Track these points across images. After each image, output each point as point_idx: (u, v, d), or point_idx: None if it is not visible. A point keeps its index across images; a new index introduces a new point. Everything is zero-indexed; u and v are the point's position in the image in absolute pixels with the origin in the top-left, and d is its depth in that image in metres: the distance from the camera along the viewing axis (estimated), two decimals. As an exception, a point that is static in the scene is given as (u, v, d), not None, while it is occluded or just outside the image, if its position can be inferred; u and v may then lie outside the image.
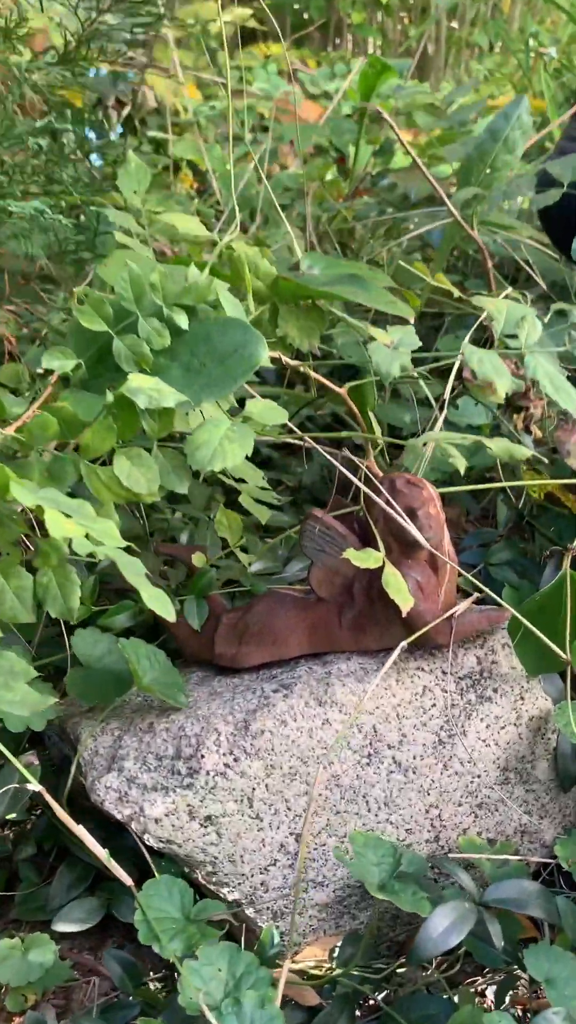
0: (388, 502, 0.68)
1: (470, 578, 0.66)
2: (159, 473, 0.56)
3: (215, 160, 2.08)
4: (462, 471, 0.55)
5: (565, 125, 1.33)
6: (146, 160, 2.19)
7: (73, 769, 0.67)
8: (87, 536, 0.48)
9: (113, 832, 0.70)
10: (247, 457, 0.97)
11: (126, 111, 2.31)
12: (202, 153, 2.02)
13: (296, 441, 0.72)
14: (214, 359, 0.59)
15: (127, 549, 0.91)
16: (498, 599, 0.66)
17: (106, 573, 0.85)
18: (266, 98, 2.02)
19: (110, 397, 0.53)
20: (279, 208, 1.77)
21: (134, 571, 0.48)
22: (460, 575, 0.80)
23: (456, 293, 0.95)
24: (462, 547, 0.88)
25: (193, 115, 2.09)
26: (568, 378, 1.01)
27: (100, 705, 0.70)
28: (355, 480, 0.65)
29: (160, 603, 0.47)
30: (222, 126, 2.42)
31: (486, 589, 0.65)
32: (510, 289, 0.97)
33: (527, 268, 1.09)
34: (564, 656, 0.59)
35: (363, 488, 0.68)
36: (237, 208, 1.30)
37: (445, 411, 0.86)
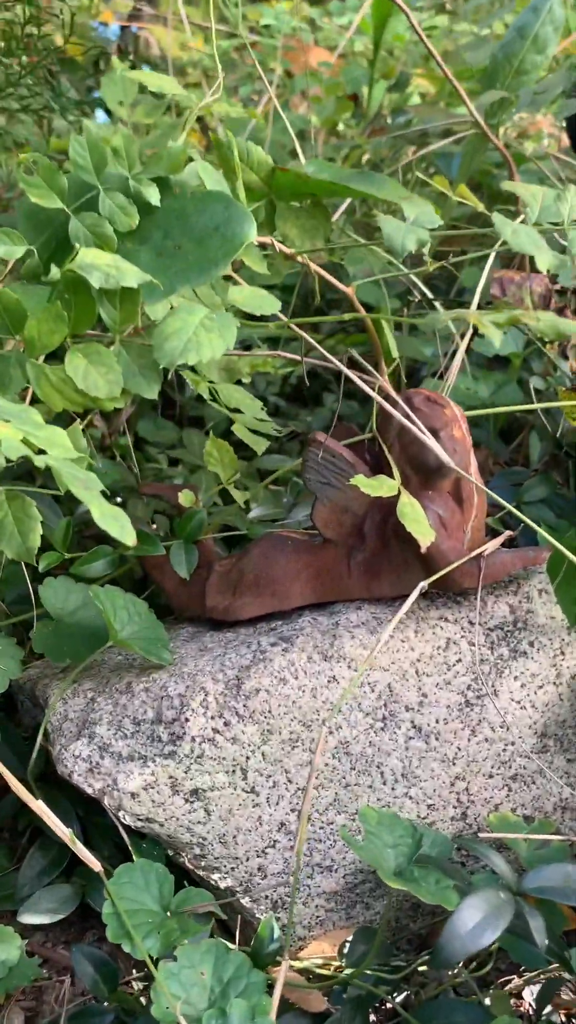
0: (407, 417, 0.57)
1: (511, 507, 0.55)
2: (122, 374, 0.46)
3: (220, 108, 1.97)
4: (497, 343, 0.45)
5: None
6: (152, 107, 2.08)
7: (40, 737, 0.58)
8: (27, 442, 0.38)
9: (93, 809, 0.61)
10: (243, 384, 0.86)
11: (130, 60, 2.20)
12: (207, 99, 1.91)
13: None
14: (191, 240, 0.48)
15: (114, 494, 0.80)
16: (537, 529, 0.56)
17: (88, 519, 0.75)
18: (271, 36, 1.90)
19: (57, 273, 0.43)
20: (286, 152, 1.66)
21: (83, 485, 0.38)
22: (491, 512, 0.70)
23: (480, 207, 0.84)
24: (490, 487, 0.78)
25: (194, 55, 1.98)
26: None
27: (73, 664, 0.61)
28: (365, 387, 0.55)
29: (115, 523, 0.38)
30: (229, 76, 2.31)
31: (525, 519, 0.55)
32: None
33: (559, 183, 0.98)
34: None
35: (377, 403, 0.57)
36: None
37: (468, 340, 0.76)
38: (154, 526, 0.74)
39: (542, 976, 0.53)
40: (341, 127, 2.06)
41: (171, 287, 0.47)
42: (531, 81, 0.94)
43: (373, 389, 0.62)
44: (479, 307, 0.77)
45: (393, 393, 0.61)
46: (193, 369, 0.70)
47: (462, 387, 0.85)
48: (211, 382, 0.70)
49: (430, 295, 0.96)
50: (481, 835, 0.54)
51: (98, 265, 0.43)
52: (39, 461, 0.38)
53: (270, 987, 0.47)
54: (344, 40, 1.85)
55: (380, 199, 0.64)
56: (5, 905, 0.61)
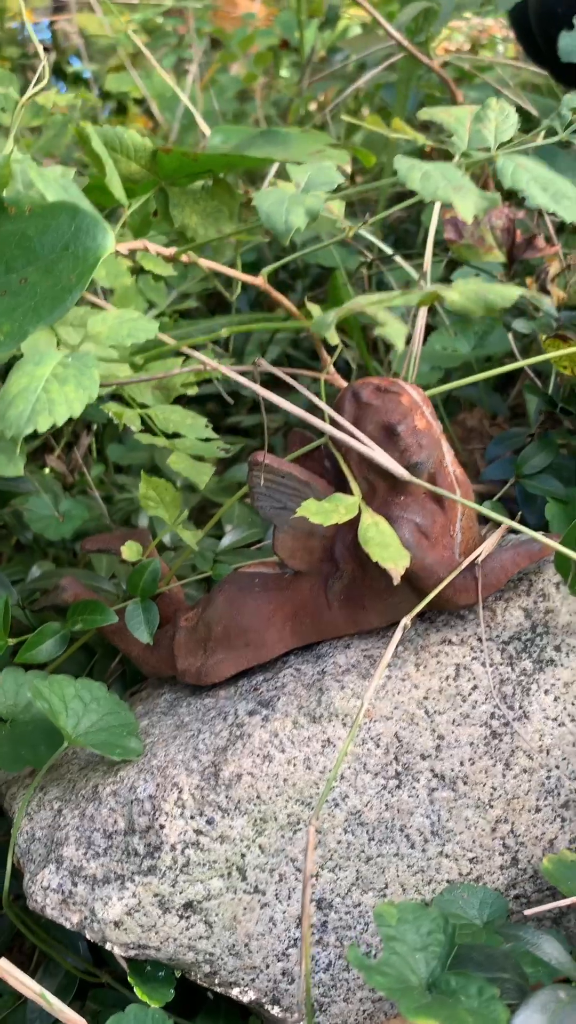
0: (355, 423, 0.48)
1: (491, 515, 0.46)
2: (-25, 454, 0.38)
3: (154, 87, 1.86)
4: (399, 345, 0.35)
5: None
6: (93, 106, 1.98)
7: (9, 862, 0.50)
8: None
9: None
10: (190, 399, 0.76)
11: (53, 56, 2.09)
12: (137, 81, 1.80)
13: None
14: (38, 268, 0.39)
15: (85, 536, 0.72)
16: (526, 530, 0.46)
17: (38, 588, 0.67)
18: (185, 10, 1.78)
19: None
20: (224, 119, 1.54)
21: None
22: (483, 498, 0.60)
23: (421, 140, 0.73)
24: (488, 459, 0.68)
25: (115, 37, 1.86)
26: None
27: (35, 768, 0.53)
28: (306, 393, 0.46)
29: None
30: (158, 50, 2.19)
31: (504, 519, 0.45)
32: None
33: (511, 99, 0.87)
34: None
35: (315, 410, 0.48)
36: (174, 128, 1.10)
37: (427, 276, 0.66)
38: (113, 579, 0.65)
39: None
40: (284, 73, 1.94)
41: (22, 332, 0.38)
42: (455, -17, 0.83)
43: (319, 381, 0.53)
44: (433, 255, 0.67)
45: (340, 381, 0.52)
46: (120, 398, 0.61)
47: (437, 348, 0.75)
48: (143, 405, 0.61)
49: (389, 250, 0.86)
50: (527, 911, 0.45)
51: None
52: None
53: None
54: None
55: (286, 159, 0.54)
56: (20, 1045, 0.54)
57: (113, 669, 0.65)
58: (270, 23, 1.87)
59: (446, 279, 0.81)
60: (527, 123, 1.16)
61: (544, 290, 0.67)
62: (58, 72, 2.08)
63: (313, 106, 1.49)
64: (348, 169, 0.54)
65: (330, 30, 1.52)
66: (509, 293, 0.36)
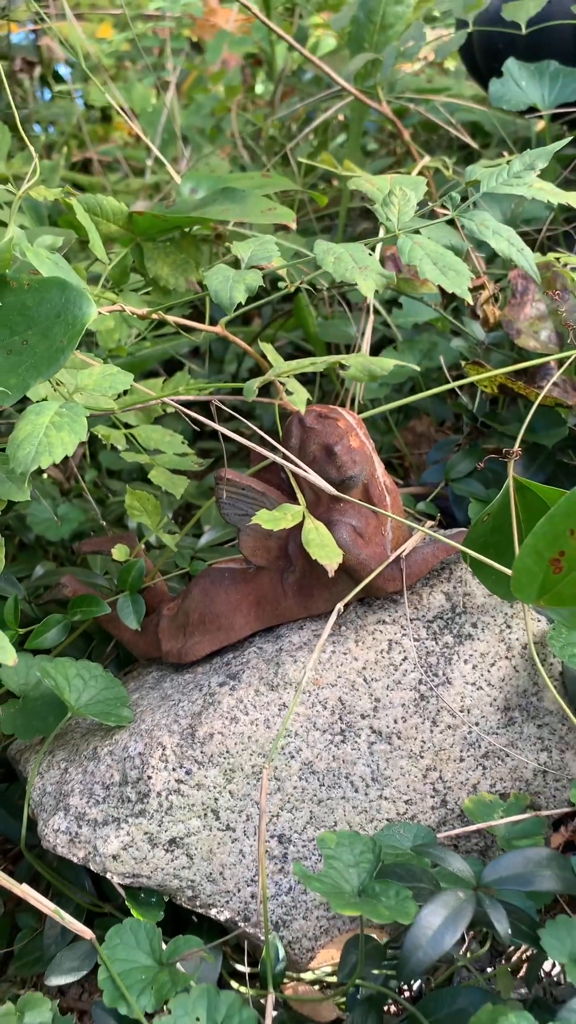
0: (300, 445, 0.58)
1: (422, 529, 0.56)
2: (-9, 485, 0.48)
3: (135, 100, 1.95)
4: (301, 406, 0.45)
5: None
6: (64, 115, 2.07)
7: (25, 814, 0.61)
8: None
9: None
10: (174, 414, 0.86)
11: (38, 71, 2.17)
12: (114, 93, 1.89)
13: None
14: (36, 332, 0.49)
15: (78, 540, 0.82)
16: (438, 536, 0.56)
17: (42, 585, 0.77)
18: (161, 18, 1.87)
19: None
20: (202, 135, 1.63)
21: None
22: (419, 498, 0.70)
23: (363, 175, 0.83)
24: (429, 462, 0.78)
25: (98, 56, 1.95)
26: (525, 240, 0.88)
27: (44, 737, 0.63)
28: (251, 428, 0.56)
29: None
30: (139, 61, 2.27)
31: (417, 527, 0.55)
32: (427, 159, 0.85)
33: (448, 129, 0.96)
34: (508, 573, 0.49)
35: (258, 439, 0.58)
36: (160, 149, 1.19)
37: (370, 317, 0.76)
38: (107, 575, 0.76)
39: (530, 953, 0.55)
40: (260, 88, 2.02)
41: (25, 384, 0.48)
42: (397, 34, 0.92)
43: (274, 408, 0.63)
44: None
45: (292, 407, 0.62)
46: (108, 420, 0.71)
47: (378, 370, 0.84)
48: (128, 425, 0.71)
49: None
50: (442, 834, 0.55)
51: None
52: None
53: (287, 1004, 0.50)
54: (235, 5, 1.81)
55: (241, 218, 0.64)
56: (35, 968, 0.64)
57: (108, 653, 0.75)
58: (247, 30, 1.95)
59: (395, 300, 0.91)
60: (483, 136, 1.26)
61: (475, 315, 0.77)
62: (43, 81, 2.17)
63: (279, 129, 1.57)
64: (294, 226, 0.64)
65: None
66: (386, 364, 0.46)
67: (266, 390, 0.88)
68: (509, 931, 0.47)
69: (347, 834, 0.52)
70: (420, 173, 0.80)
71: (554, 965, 0.57)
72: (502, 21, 0.93)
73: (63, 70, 2.17)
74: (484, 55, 1.06)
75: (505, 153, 0.90)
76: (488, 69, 1.08)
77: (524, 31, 0.90)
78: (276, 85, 1.60)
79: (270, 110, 1.58)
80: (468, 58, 1.10)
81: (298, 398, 0.47)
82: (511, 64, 0.89)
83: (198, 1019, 0.48)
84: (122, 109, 1.61)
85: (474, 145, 0.96)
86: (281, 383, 0.56)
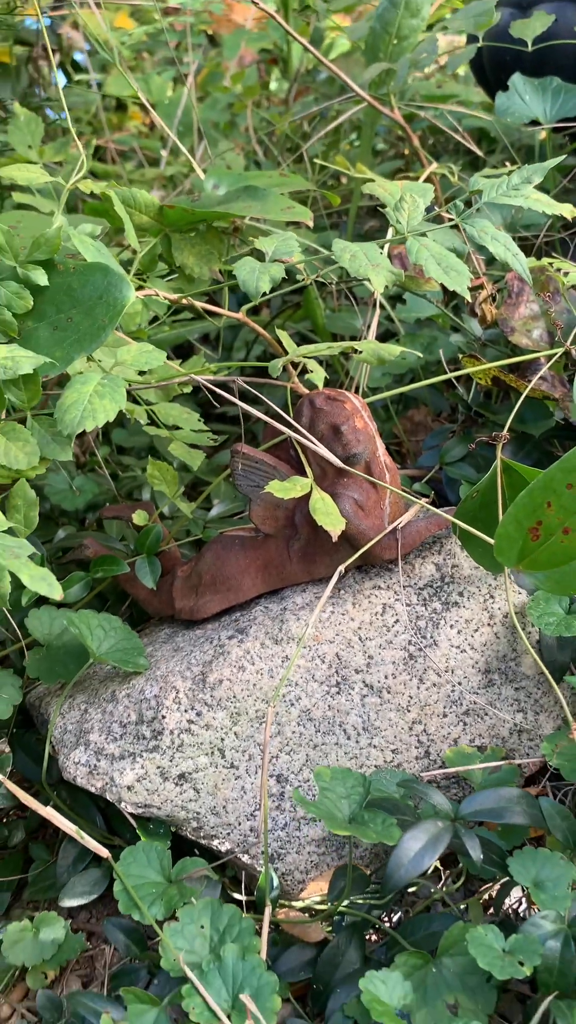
0: (310, 423, 0.64)
1: (418, 500, 0.62)
2: (38, 445, 0.54)
3: (153, 91, 2.00)
4: (319, 382, 0.51)
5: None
6: (92, 104, 2.12)
7: (47, 748, 0.67)
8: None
9: (112, 806, 0.69)
10: (187, 394, 0.92)
11: (57, 58, 2.22)
12: (135, 86, 1.95)
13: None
14: (80, 311, 0.55)
15: (92, 511, 0.88)
16: (433, 509, 0.62)
17: (62, 547, 0.83)
18: (183, 13, 1.92)
19: (-39, 376, 0.50)
20: (217, 128, 1.69)
21: (12, 554, 0.46)
22: (415, 479, 0.76)
23: (377, 179, 0.89)
24: (425, 448, 0.84)
25: (119, 48, 2.00)
26: (520, 245, 0.94)
27: (65, 682, 0.69)
28: (275, 402, 0.62)
29: (43, 583, 0.45)
30: (157, 52, 2.32)
31: (415, 494, 0.61)
32: (435, 165, 0.91)
33: (453, 135, 1.02)
34: (492, 542, 0.55)
35: (277, 417, 0.64)
36: (174, 136, 1.24)
37: (376, 314, 0.82)
38: (123, 541, 0.82)
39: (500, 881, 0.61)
40: (274, 86, 2.07)
41: (69, 357, 0.54)
42: (412, 46, 0.98)
43: (286, 390, 0.69)
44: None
45: (302, 389, 0.68)
46: (131, 396, 0.77)
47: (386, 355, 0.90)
48: (149, 403, 0.77)
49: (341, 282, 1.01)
50: (424, 774, 0.61)
51: (-5, 360, 0.50)
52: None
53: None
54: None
55: (261, 215, 0.70)
56: (48, 894, 0.71)
57: (122, 612, 0.81)
58: (263, 26, 2.00)
59: (399, 297, 0.97)
60: (489, 142, 1.32)
61: (473, 312, 0.83)
62: (61, 67, 2.22)
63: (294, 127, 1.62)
64: (310, 223, 0.70)
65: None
66: (393, 350, 0.52)
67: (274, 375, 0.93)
68: (481, 857, 0.53)
69: (340, 770, 0.58)
70: (428, 178, 0.86)
71: (519, 901, 0.63)
72: (510, 37, 0.99)
73: (79, 57, 2.21)
74: (492, 67, 1.11)
75: (508, 163, 0.96)
76: (496, 80, 1.14)
77: (530, 48, 0.96)
78: (291, 84, 1.66)
79: (284, 108, 1.63)
80: (477, 68, 1.16)
81: (316, 376, 0.53)
82: (517, 79, 0.95)
83: (203, 926, 0.54)
84: (142, 101, 1.66)
85: (479, 152, 1.02)
86: (296, 364, 0.62)
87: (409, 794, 0.59)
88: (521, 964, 0.49)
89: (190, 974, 0.51)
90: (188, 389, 0.82)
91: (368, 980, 0.51)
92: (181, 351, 1.22)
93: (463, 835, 0.54)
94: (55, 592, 0.46)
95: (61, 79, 2.10)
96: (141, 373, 0.63)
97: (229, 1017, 0.50)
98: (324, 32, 1.67)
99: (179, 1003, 0.51)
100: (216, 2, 2.01)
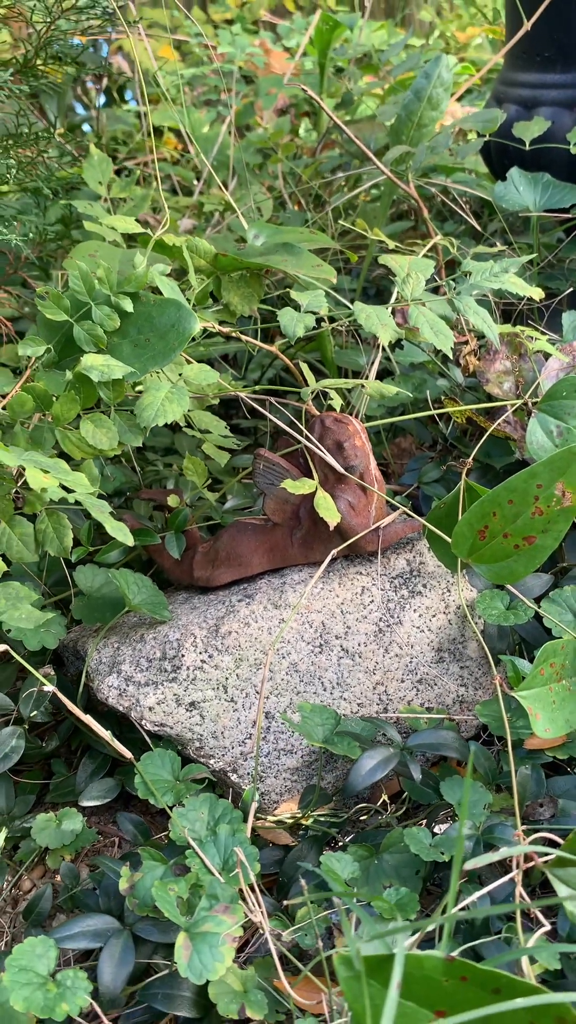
0: (319, 438, 0.81)
1: (396, 504, 0.79)
2: (117, 432, 0.70)
3: (191, 125, 2.18)
4: (338, 407, 0.68)
5: (501, 68, 1.42)
6: (128, 128, 2.30)
7: (83, 677, 0.83)
8: (61, 485, 0.63)
9: (125, 729, 0.86)
10: (212, 410, 1.10)
11: (104, 82, 2.40)
12: (178, 119, 2.13)
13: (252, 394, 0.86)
14: (156, 335, 0.72)
15: (118, 497, 1.04)
16: (411, 514, 0.80)
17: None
18: (229, 62, 2.10)
19: (70, 375, 0.67)
20: (249, 169, 1.87)
21: (99, 509, 0.62)
22: (397, 493, 0.94)
23: (392, 245, 1.07)
24: (408, 470, 1.02)
25: (166, 84, 2.18)
26: (503, 311, 1.13)
27: (101, 625, 0.86)
28: (292, 417, 0.79)
29: (120, 532, 0.62)
30: (197, 88, 2.51)
31: (397, 504, 0.79)
32: (439, 236, 1.09)
33: (455, 206, 1.20)
34: (446, 536, 0.72)
35: (295, 430, 0.81)
36: (214, 172, 1.42)
37: (379, 354, 0.99)
38: (151, 520, 0.98)
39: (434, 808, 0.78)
40: (303, 134, 2.26)
41: (144, 369, 0.71)
42: (430, 133, 1.16)
43: (301, 410, 0.86)
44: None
45: (314, 411, 0.85)
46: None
47: (386, 392, 1.08)
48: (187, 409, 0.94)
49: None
50: (383, 714, 0.78)
51: (96, 366, 0.67)
52: (70, 497, 0.63)
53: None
54: (294, 61, 2.05)
55: (293, 270, 0.87)
56: (67, 798, 0.86)
57: (145, 579, 0.97)
58: (297, 72, 2.19)
59: (398, 342, 1.15)
60: (491, 211, 1.50)
61: (458, 363, 1.01)
62: (107, 93, 2.40)
63: (308, 173, 1.79)
64: (334, 281, 0.87)
65: (344, 110, 1.85)
66: (390, 389, 0.70)
67: (288, 386, 1.09)
68: (420, 777, 0.70)
69: (318, 706, 0.75)
70: (432, 248, 1.04)
71: (447, 821, 0.80)
72: (512, 135, 1.18)
73: (131, 101, 2.39)
74: (498, 154, 1.30)
75: (499, 243, 1.14)
76: (500, 165, 1.32)
77: (528, 147, 1.15)
78: (320, 138, 1.85)
79: (312, 159, 1.82)
80: (485, 153, 1.35)
81: (335, 403, 0.70)
82: (514, 172, 1.13)
83: (203, 813, 0.70)
84: (185, 134, 1.84)
85: (477, 227, 1.20)
86: (313, 392, 0.79)
87: (370, 729, 0.76)
88: (442, 853, 0.66)
89: (192, 842, 0.68)
90: (217, 401, 0.99)
91: (327, 858, 0.67)
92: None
93: (408, 761, 0.71)
94: (128, 539, 0.62)
95: (102, 100, 2.28)
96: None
97: (220, 874, 0.66)
98: (353, 96, 1.86)
99: (183, 863, 0.67)
100: (257, 52, 2.20)
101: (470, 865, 0.46)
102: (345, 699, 0.82)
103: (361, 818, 0.83)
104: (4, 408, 0.70)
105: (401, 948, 0.42)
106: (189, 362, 0.75)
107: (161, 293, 0.75)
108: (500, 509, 0.67)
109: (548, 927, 0.57)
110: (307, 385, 0.77)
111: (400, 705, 0.84)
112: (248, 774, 0.82)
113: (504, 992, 0.43)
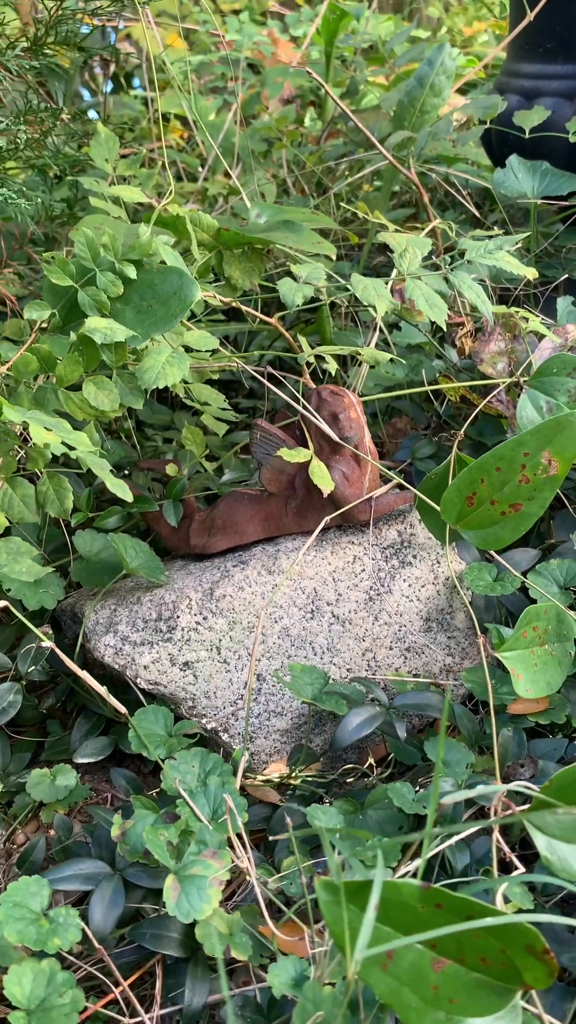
0: (316, 409, 0.83)
1: (387, 468, 0.82)
2: (119, 394, 0.73)
3: (198, 112, 2.20)
4: (332, 369, 0.70)
5: (504, 60, 1.44)
6: (135, 114, 2.31)
7: (80, 637, 0.85)
8: (63, 443, 0.65)
9: (119, 691, 0.88)
10: (211, 383, 1.12)
11: (112, 69, 2.42)
12: (185, 106, 2.14)
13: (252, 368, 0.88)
14: (158, 301, 0.74)
15: (117, 471, 1.06)
16: (405, 484, 0.82)
17: (102, 488, 1.02)
18: (236, 51, 2.12)
19: (74, 337, 0.69)
20: (254, 156, 1.90)
21: (100, 466, 0.65)
22: (390, 469, 0.96)
23: (391, 227, 1.09)
24: (402, 447, 1.04)
25: (174, 71, 2.20)
26: (500, 296, 1.15)
27: (99, 588, 0.88)
28: (291, 391, 0.81)
29: (120, 489, 0.64)
30: (204, 76, 2.52)
31: (391, 474, 0.81)
32: (438, 220, 1.11)
33: (457, 195, 1.22)
34: (436, 506, 0.74)
35: (293, 400, 0.83)
36: (221, 156, 1.44)
37: (376, 334, 1.01)
38: (149, 490, 1.00)
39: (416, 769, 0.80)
40: (307, 123, 2.28)
41: (147, 334, 0.73)
42: (432, 119, 1.18)
43: (299, 383, 0.88)
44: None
45: (311, 384, 0.87)
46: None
47: (382, 371, 1.10)
48: (186, 383, 0.96)
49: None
50: (371, 677, 0.80)
51: (99, 328, 0.69)
52: (72, 454, 0.65)
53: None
54: (301, 51, 2.07)
55: (295, 245, 0.89)
56: (62, 756, 0.89)
57: (142, 547, 0.99)
58: (303, 62, 2.21)
59: (396, 324, 1.17)
60: (491, 200, 1.52)
61: (453, 344, 1.03)
62: (113, 79, 2.42)
63: (312, 160, 1.82)
64: (334, 257, 0.89)
65: (350, 99, 1.87)
66: (384, 357, 0.72)
67: (286, 368, 1.11)
68: (405, 735, 0.72)
69: (308, 666, 0.77)
70: (431, 231, 1.06)
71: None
72: (513, 124, 1.20)
73: (137, 87, 2.41)
74: (498, 143, 1.32)
75: (495, 227, 1.17)
76: (500, 153, 1.35)
77: (527, 136, 1.17)
78: (325, 127, 1.86)
79: (316, 147, 1.84)
80: (486, 141, 1.37)
81: (331, 365, 0.72)
82: (513, 159, 1.15)
83: (194, 766, 0.73)
84: (192, 120, 1.86)
85: (477, 214, 1.22)
86: (309, 364, 0.81)
87: (358, 692, 0.78)
88: (424, 807, 0.69)
89: (183, 792, 0.70)
90: (217, 375, 1.01)
91: (313, 810, 0.69)
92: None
93: (394, 720, 0.73)
94: (127, 495, 0.64)
95: (108, 86, 2.30)
96: (188, 351, 0.82)
97: (209, 823, 0.68)
98: (359, 86, 1.87)
99: (173, 812, 0.69)
100: (264, 41, 2.21)
101: (448, 800, 0.48)
102: (335, 664, 0.84)
103: (348, 780, 0.85)
104: (9, 370, 0.72)
105: (379, 874, 0.44)
106: (190, 330, 0.77)
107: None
108: (488, 476, 0.69)
109: (523, 870, 0.59)
110: (328, 340, 0.78)
111: (388, 671, 0.86)
112: (239, 733, 0.84)
113: (476, 918, 0.45)
